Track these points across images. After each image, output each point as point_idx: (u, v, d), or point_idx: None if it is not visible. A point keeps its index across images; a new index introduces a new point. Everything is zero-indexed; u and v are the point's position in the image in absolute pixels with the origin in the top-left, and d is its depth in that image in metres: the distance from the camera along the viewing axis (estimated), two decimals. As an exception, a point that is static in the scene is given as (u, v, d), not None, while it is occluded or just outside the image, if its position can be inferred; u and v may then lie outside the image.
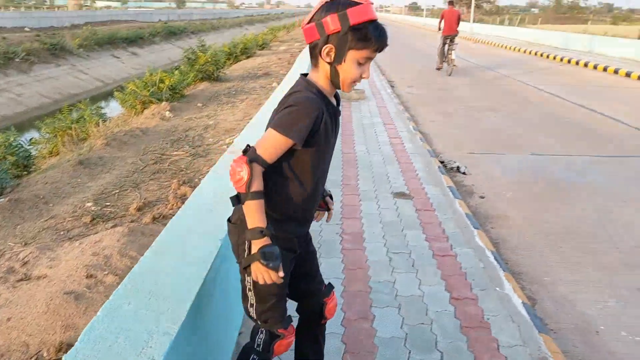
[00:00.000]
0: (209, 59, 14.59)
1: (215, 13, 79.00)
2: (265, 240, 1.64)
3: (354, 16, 1.60)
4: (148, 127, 9.18)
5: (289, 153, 1.70)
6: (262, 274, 1.66)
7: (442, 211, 4.68)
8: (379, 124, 8.21)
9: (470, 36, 32.71)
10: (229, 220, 1.90)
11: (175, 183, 5.84)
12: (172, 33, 39.91)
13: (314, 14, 1.68)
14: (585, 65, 17.49)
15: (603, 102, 10.98)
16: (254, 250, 1.65)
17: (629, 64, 17.04)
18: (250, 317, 1.92)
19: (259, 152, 1.64)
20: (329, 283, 2.18)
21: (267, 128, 1.72)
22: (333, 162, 6.45)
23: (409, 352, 2.69)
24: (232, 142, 5.94)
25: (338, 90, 1.83)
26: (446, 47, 15.10)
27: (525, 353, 2.72)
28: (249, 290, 1.84)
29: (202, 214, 2.63)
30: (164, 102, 10.97)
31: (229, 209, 2.56)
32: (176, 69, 14.65)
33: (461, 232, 4.25)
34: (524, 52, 22.76)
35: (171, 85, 11.82)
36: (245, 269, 1.79)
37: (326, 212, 2.15)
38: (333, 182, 5.39)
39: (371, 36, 1.64)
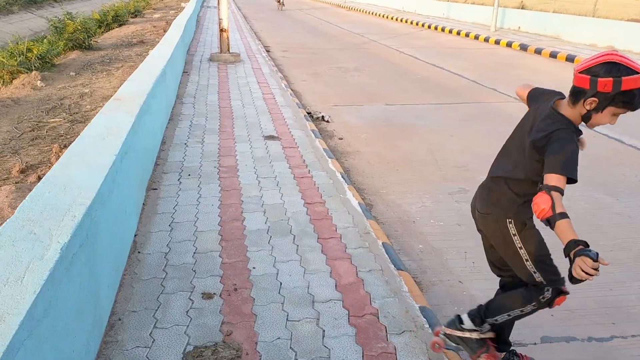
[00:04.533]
0: (79, 27, 14.23)
1: (79, -20, 73.07)
2: (583, 247, 1.87)
3: (627, 84, 1.87)
4: (19, 97, 9.07)
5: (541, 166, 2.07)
6: (587, 269, 1.80)
7: (304, 148, 5.60)
8: (253, 83, 8.96)
9: (344, 4, 34.13)
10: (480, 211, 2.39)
11: (56, 147, 6.10)
12: (32, 2, 36.81)
13: (594, 64, 1.93)
14: (442, 30, 19.44)
15: (451, 61, 12.62)
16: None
17: (479, 28, 19.24)
18: (537, 282, 2.27)
19: (554, 184, 1.94)
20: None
21: (528, 145, 2.10)
22: (212, 115, 7.08)
23: (270, 237, 3.58)
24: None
25: None
26: None
27: (355, 231, 3.72)
28: (526, 260, 2.25)
29: (97, 141, 3.24)
30: (34, 72, 10.72)
31: (119, 137, 3.23)
32: (44, 39, 14.11)
33: (318, 161, 5.20)
34: (392, 19, 24.50)
35: (40, 55, 11.53)
36: (519, 248, 2.24)
37: None
38: (211, 130, 6.11)
39: (635, 101, 1.91)
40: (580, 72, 1.95)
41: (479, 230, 2.50)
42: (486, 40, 16.39)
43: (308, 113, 7.40)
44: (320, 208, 4.08)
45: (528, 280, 2.32)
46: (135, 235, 3.49)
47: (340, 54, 13.63)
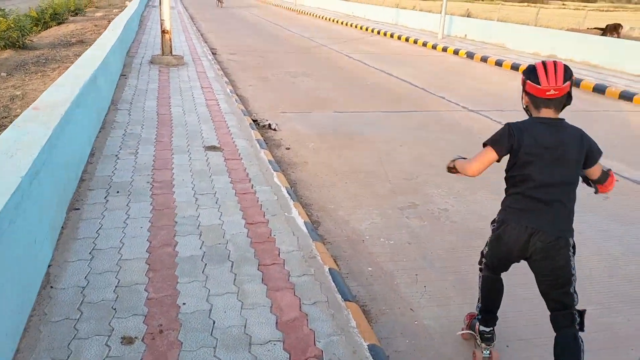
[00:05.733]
0: (12, 25, 13.34)
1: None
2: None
3: None
4: (-60, 99, 8.32)
5: None
6: None
7: (248, 160, 5.27)
8: (196, 87, 8.53)
9: (294, 7, 33.84)
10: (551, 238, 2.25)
11: (-23, 154, 5.56)
12: (-37, -5, 34.59)
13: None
14: (391, 36, 19.47)
15: (400, 67, 12.55)
16: None
17: (427, 35, 19.39)
18: (573, 305, 2.24)
19: None
20: None
21: None
22: (149, 122, 6.60)
23: (205, 265, 3.23)
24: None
25: None
26: None
27: (299, 255, 3.43)
28: (574, 281, 2.23)
29: (3, 160, 2.82)
30: (-42, 72, 9.90)
31: (29, 154, 2.82)
32: (-29, 36, 13.14)
33: (263, 175, 4.89)
34: (341, 23, 24.41)
35: (-34, 53, 10.69)
36: (573, 269, 2.21)
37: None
38: (146, 139, 5.67)
39: None
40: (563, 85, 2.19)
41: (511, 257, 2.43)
42: (434, 47, 16.51)
43: (254, 121, 7.07)
44: (263, 229, 3.77)
45: (567, 303, 2.24)
46: (49, 266, 3.07)
47: (290, 58, 13.35)
